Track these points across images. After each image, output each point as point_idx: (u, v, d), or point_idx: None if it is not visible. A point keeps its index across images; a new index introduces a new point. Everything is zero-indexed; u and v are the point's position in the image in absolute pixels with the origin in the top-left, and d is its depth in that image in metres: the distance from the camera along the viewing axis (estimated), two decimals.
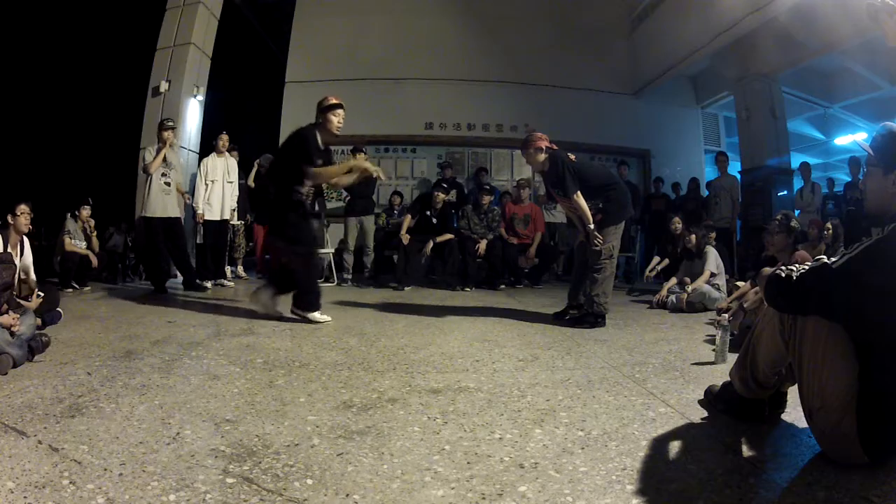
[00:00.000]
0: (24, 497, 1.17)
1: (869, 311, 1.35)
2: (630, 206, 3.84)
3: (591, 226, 3.55)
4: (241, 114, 11.45)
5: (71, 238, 5.63)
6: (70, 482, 1.24)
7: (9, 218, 3.21)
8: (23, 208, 3.26)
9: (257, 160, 6.56)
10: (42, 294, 3.16)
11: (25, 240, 3.25)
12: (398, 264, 5.78)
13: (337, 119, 3.51)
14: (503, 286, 5.82)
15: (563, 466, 1.40)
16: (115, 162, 9.94)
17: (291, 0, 8.84)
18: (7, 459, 1.35)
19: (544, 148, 3.64)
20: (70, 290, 5.15)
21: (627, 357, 2.67)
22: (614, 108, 8.83)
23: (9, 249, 3.05)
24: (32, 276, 3.22)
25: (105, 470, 1.31)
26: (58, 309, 3.25)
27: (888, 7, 2.88)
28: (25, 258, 3.18)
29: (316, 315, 3.46)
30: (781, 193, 7.19)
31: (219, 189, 5.64)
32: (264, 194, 5.85)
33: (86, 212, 5.95)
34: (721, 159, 7.07)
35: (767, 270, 1.63)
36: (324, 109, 3.50)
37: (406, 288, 5.54)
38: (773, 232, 3.26)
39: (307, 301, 3.49)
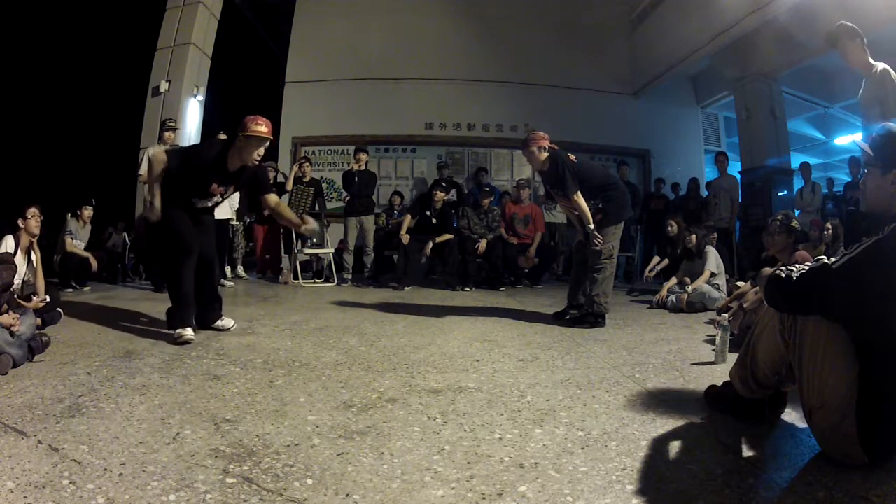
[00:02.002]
0: (24, 497, 1.17)
1: (869, 310, 1.36)
2: (629, 207, 3.84)
3: (591, 226, 3.55)
4: (240, 114, 11.44)
5: (72, 238, 5.63)
6: (70, 482, 1.24)
7: (19, 222, 3.24)
8: (33, 211, 3.31)
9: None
10: (46, 298, 3.16)
11: (33, 249, 3.28)
12: (398, 264, 5.78)
13: (256, 153, 2.94)
14: (503, 287, 5.81)
15: (563, 466, 1.40)
16: (115, 162, 9.95)
17: (291, 0, 8.84)
18: (7, 459, 1.35)
19: (546, 147, 3.64)
20: (70, 290, 5.15)
21: (627, 357, 2.67)
22: (614, 108, 8.82)
23: (20, 252, 3.07)
24: (41, 281, 3.24)
25: (105, 470, 1.31)
26: (58, 309, 3.26)
27: (847, 31, 2.95)
28: (34, 265, 3.21)
29: (179, 331, 2.79)
30: (781, 193, 7.18)
31: None
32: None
33: (87, 211, 5.95)
34: (721, 159, 7.07)
35: (767, 270, 1.63)
36: (249, 137, 2.89)
37: (406, 288, 5.54)
38: (774, 232, 3.25)
39: (169, 314, 2.92)
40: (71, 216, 5.87)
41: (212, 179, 2.93)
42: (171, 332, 2.82)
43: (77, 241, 5.70)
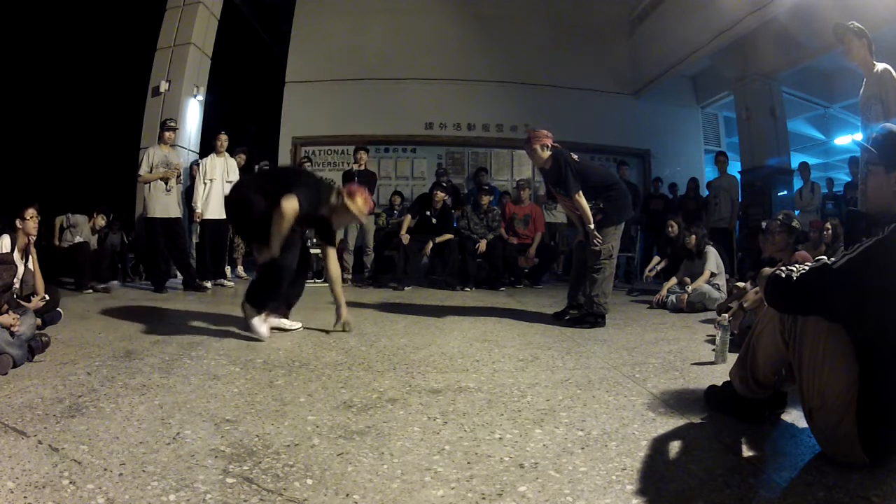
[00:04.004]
0: (24, 497, 1.17)
1: (869, 311, 1.35)
2: (630, 207, 3.84)
3: (591, 226, 3.55)
4: (241, 114, 11.46)
5: (68, 224, 5.61)
6: (70, 482, 1.24)
7: (17, 223, 3.24)
8: (31, 212, 3.31)
9: (257, 165, 6.59)
10: (45, 297, 3.16)
11: (30, 250, 3.27)
12: (398, 264, 5.78)
13: (349, 215, 3.10)
14: (503, 287, 5.81)
15: (563, 466, 1.40)
16: (114, 162, 9.94)
17: (291, 0, 8.84)
18: (7, 459, 1.35)
19: (548, 145, 3.64)
20: (90, 290, 5.08)
21: (627, 357, 2.67)
22: (614, 108, 8.83)
23: (16, 252, 3.06)
24: (40, 281, 3.23)
25: (105, 470, 1.31)
26: (58, 309, 3.26)
27: (856, 29, 3.01)
28: (30, 265, 3.20)
29: (254, 322, 2.90)
30: (781, 193, 7.19)
31: (218, 188, 5.65)
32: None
33: (101, 220, 5.98)
34: (721, 159, 7.07)
35: (767, 270, 1.63)
36: (351, 194, 3.07)
37: (406, 288, 5.54)
38: (774, 232, 3.25)
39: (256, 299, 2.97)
40: (67, 217, 5.84)
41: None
42: (254, 313, 2.90)
43: (75, 231, 5.66)
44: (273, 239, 2.85)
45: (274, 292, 3.05)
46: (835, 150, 10.82)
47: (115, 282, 5.41)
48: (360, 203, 3.06)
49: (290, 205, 2.80)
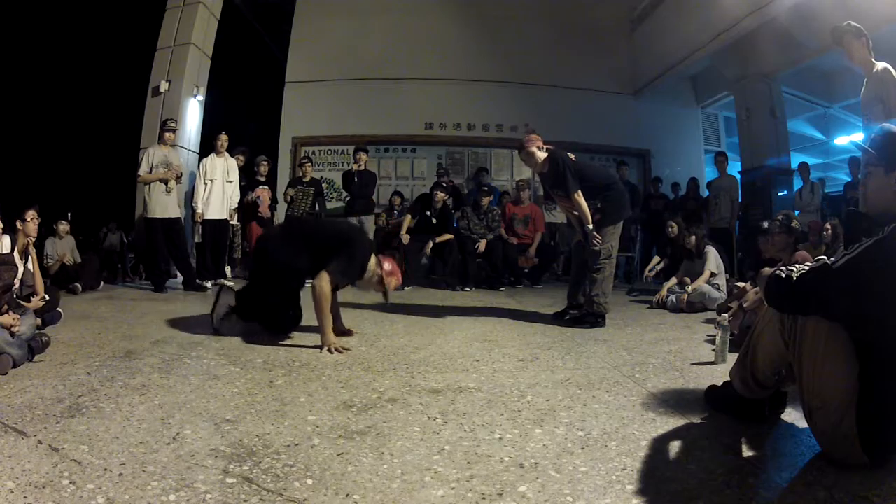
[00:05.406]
0: (24, 497, 1.17)
1: (869, 311, 1.35)
2: (628, 207, 3.83)
3: (590, 226, 3.55)
4: (241, 114, 11.46)
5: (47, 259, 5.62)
6: (70, 482, 1.24)
7: (18, 223, 3.25)
8: (31, 214, 3.33)
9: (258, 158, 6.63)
10: (45, 297, 3.17)
11: (30, 250, 3.27)
12: (398, 264, 5.77)
13: (382, 286, 2.98)
14: (503, 287, 5.81)
15: (563, 466, 1.40)
16: (114, 162, 9.94)
17: (291, 0, 8.84)
18: (7, 459, 1.35)
19: (543, 148, 3.64)
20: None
21: (627, 357, 2.67)
22: (614, 108, 8.82)
23: (16, 253, 3.07)
24: (39, 281, 3.23)
25: (105, 470, 1.31)
26: (58, 309, 3.26)
27: (854, 30, 3.00)
28: (30, 266, 3.21)
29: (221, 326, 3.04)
30: (781, 193, 7.18)
31: (218, 188, 5.64)
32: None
33: (63, 226, 5.99)
34: (720, 159, 7.06)
35: (767, 270, 1.63)
36: (386, 273, 2.98)
37: (406, 288, 5.53)
38: (774, 232, 3.26)
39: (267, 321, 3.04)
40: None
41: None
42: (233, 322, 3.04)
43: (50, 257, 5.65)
44: (322, 326, 2.75)
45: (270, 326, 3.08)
46: (835, 150, 10.80)
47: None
48: (393, 284, 3.05)
49: (324, 288, 2.72)
